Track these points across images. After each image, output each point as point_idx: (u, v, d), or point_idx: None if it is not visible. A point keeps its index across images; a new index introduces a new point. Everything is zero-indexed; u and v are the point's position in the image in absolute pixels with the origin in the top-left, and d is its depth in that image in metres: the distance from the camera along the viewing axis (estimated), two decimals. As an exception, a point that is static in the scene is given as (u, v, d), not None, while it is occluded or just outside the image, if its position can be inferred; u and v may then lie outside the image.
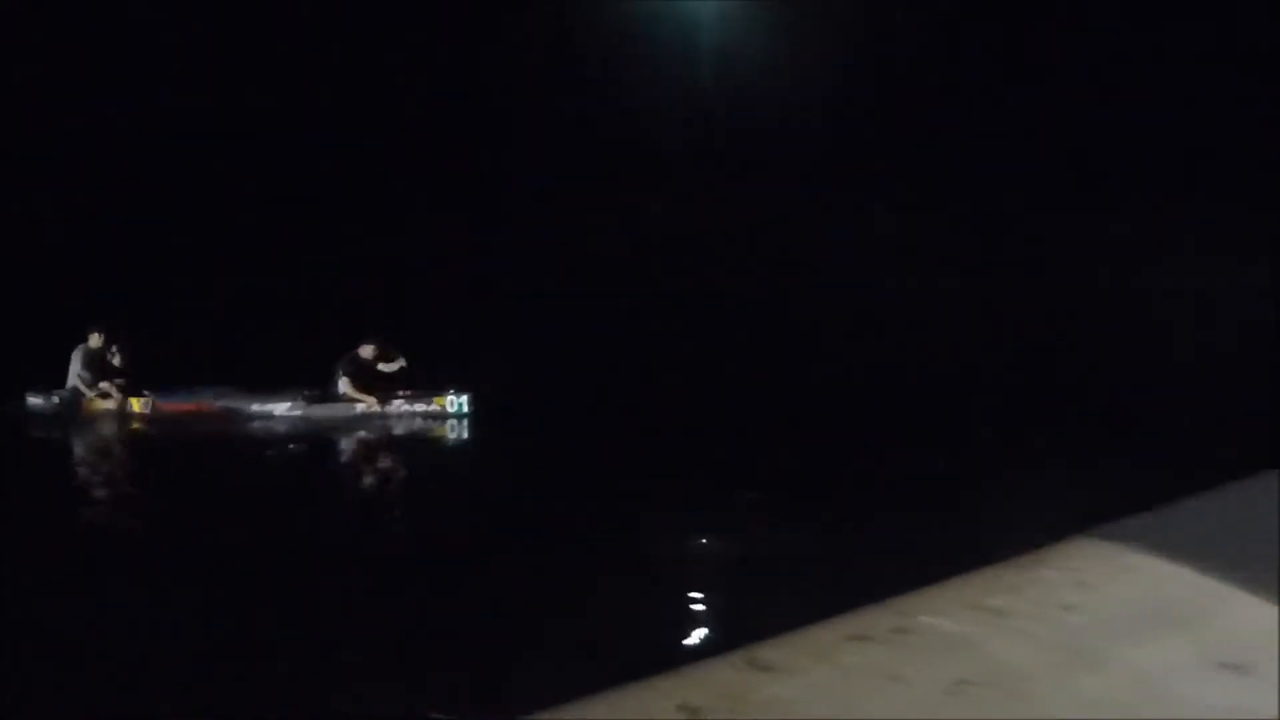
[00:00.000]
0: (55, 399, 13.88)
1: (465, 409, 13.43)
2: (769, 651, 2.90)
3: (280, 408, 13.42)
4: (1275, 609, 3.42)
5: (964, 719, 2.57)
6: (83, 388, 13.76)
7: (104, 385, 13.86)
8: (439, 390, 13.56)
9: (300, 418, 13.32)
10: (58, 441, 12.58)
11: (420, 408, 13.53)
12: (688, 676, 2.81)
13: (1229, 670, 2.95)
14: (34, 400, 13.75)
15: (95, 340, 14.11)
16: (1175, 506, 4.77)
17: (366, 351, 13.75)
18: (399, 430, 13.05)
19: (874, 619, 3.20)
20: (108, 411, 13.76)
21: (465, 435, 12.81)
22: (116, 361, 14.07)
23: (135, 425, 13.27)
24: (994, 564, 3.87)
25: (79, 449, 12.46)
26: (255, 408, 13.43)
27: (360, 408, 13.44)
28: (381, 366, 13.65)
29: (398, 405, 13.48)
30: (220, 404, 13.54)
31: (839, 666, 2.81)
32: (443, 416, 13.45)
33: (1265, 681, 2.90)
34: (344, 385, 13.58)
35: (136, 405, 13.71)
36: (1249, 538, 4.18)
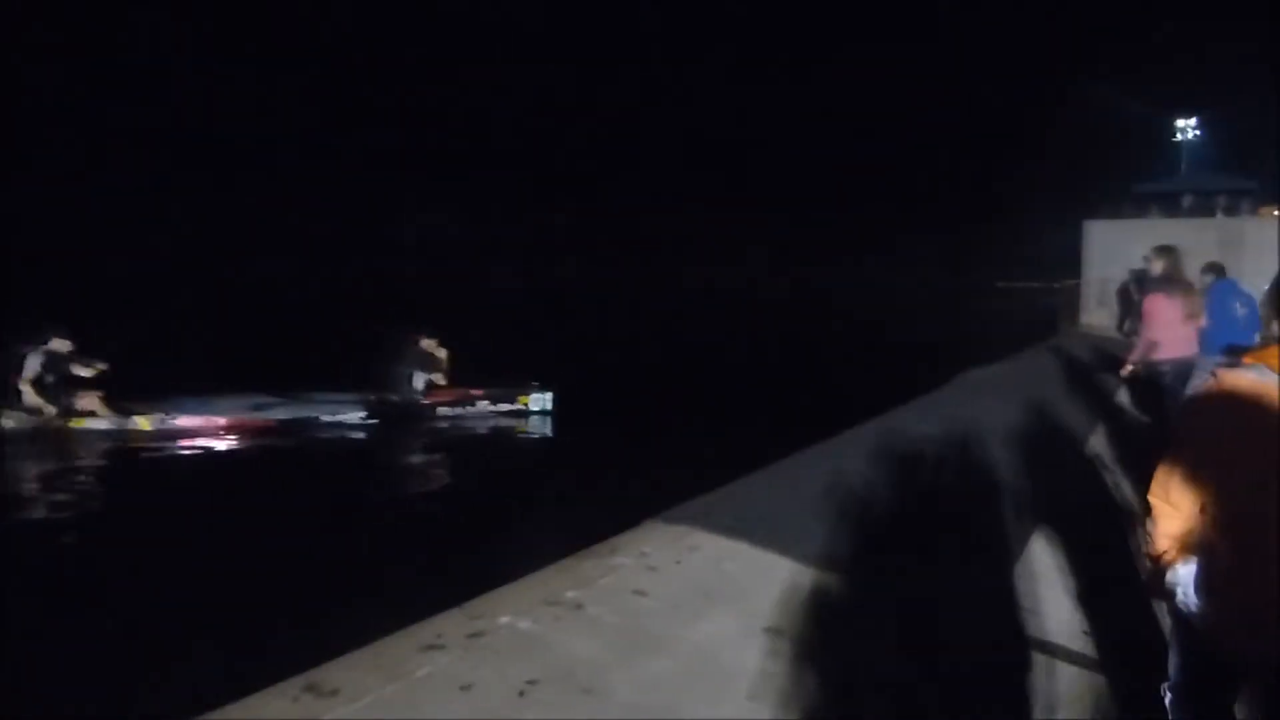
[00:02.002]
0: (10, 420, 9.98)
1: (548, 406, 12.61)
2: (332, 673, 2.68)
3: (353, 416, 11.32)
4: (810, 573, 3.84)
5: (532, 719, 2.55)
6: (46, 404, 9.83)
7: (83, 400, 10.09)
8: (521, 388, 12.57)
9: (378, 424, 11.33)
10: (28, 480, 8.36)
11: (504, 406, 12.43)
12: (237, 712, 2.51)
13: (769, 634, 3.24)
14: None
15: (58, 344, 10.28)
16: (734, 486, 5.22)
17: (429, 345, 12.19)
18: (482, 429, 11.62)
19: (449, 625, 3.09)
20: (93, 433, 10.11)
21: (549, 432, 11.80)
22: (88, 371, 10.13)
23: (143, 448, 9.37)
24: (572, 555, 3.94)
25: (65, 488, 8.12)
26: (325, 418, 11.14)
27: (442, 409, 11.97)
28: (439, 358, 12.08)
29: (482, 406, 12.26)
30: (271, 416, 10.94)
31: (409, 681, 2.66)
32: (525, 414, 12.47)
33: (794, 640, 3.24)
34: (420, 384, 11.93)
35: (145, 424, 10.43)
36: (793, 511, 4.68)
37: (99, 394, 10.42)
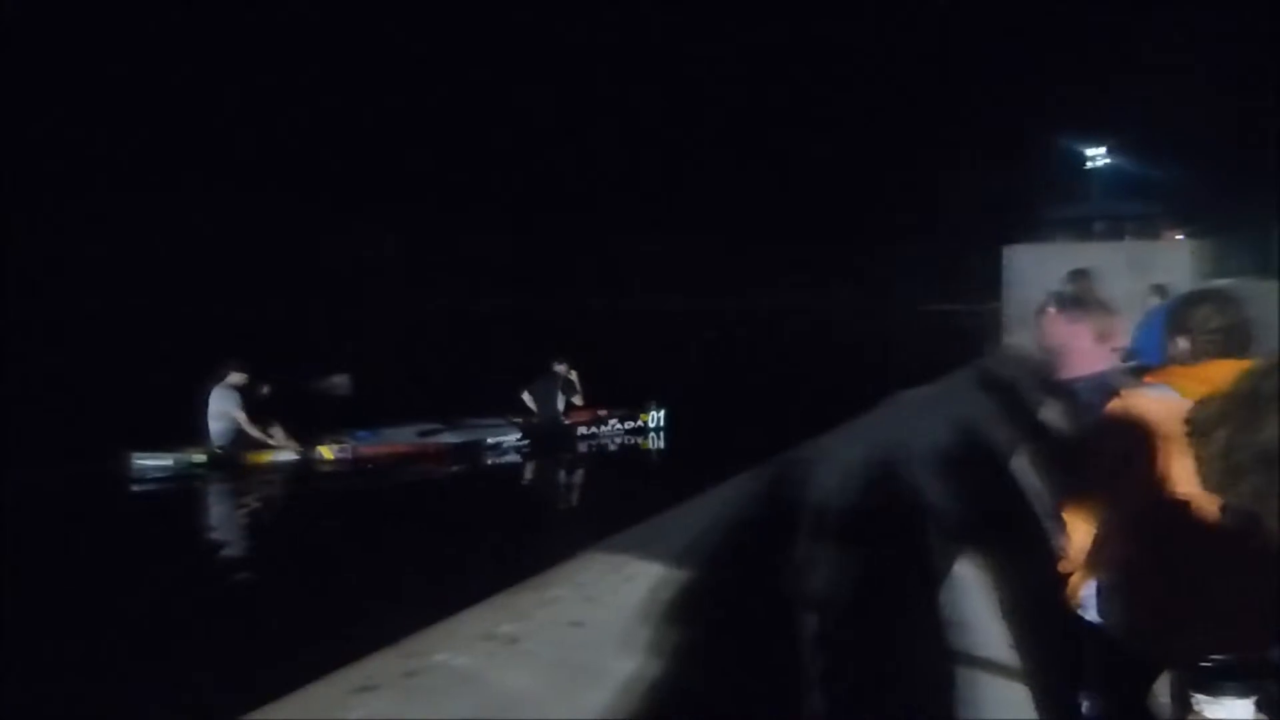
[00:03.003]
0: (201, 456, 9.93)
1: (662, 422, 13.70)
2: (263, 721, 2.63)
3: (510, 438, 11.99)
4: (744, 598, 3.88)
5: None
6: (251, 433, 10.07)
7: (270, 431, 10.30)
8: (641, 407, 13.66)
9: (530, 445, 12.07)
10: (235, 513, 8.14)
11: (629, 424, 13.43)
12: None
13: (705, 660, 3.27)
14: (149, 462, 9.89)
15: (237, 377, 10.35)
16: (669, 515, 5.25)
17: (562, 369, 13.01)
18: (611, 446, 12.60)
19: (385, 665, 3.05)
20: (280, 464, 10.22)
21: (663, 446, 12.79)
22: (268, 401, 10.57)
23: (332, 477, 9.91)
24: (509, 589, 3.92)
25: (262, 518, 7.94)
26: (490, 440, 11.75)
27: (581, 429, 12.89)
28: (574, 382, 13.03)
29: (612, 424, 13.25)
30: (443, 440, 11.41)
31: (343, 725, 2.63)
32: (644, 431, 13.48)
33: (730, 665, 3.26)
34: (562, 406, 12.76)
35: (328, 453, 10.61)
36: (725, 537, 4.72)
37: (283, 427, 10.59)
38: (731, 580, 4.05)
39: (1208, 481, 1.85)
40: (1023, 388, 12.09)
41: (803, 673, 3.27)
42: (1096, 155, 28.27)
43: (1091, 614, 2.20)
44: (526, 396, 12.37)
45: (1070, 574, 2.26)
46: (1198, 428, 1.89)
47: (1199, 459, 1.87)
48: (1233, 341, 2.19)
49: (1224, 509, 1.86)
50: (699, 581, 4.01)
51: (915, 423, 8.91)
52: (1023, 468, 7.52)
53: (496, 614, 3.58)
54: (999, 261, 22.53)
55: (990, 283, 23.45)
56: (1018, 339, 21.10)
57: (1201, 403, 1.92)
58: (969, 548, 5.01)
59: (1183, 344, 2.25)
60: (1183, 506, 1.97)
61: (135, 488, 9.35)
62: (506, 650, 3.20)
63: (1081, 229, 23.39)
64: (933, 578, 4.59)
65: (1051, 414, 9.42)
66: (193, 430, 10.07)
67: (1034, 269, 20.75)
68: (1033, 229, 23.83)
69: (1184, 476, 1.96)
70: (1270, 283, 16.13)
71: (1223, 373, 2.00)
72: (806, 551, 4.52)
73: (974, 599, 4.38)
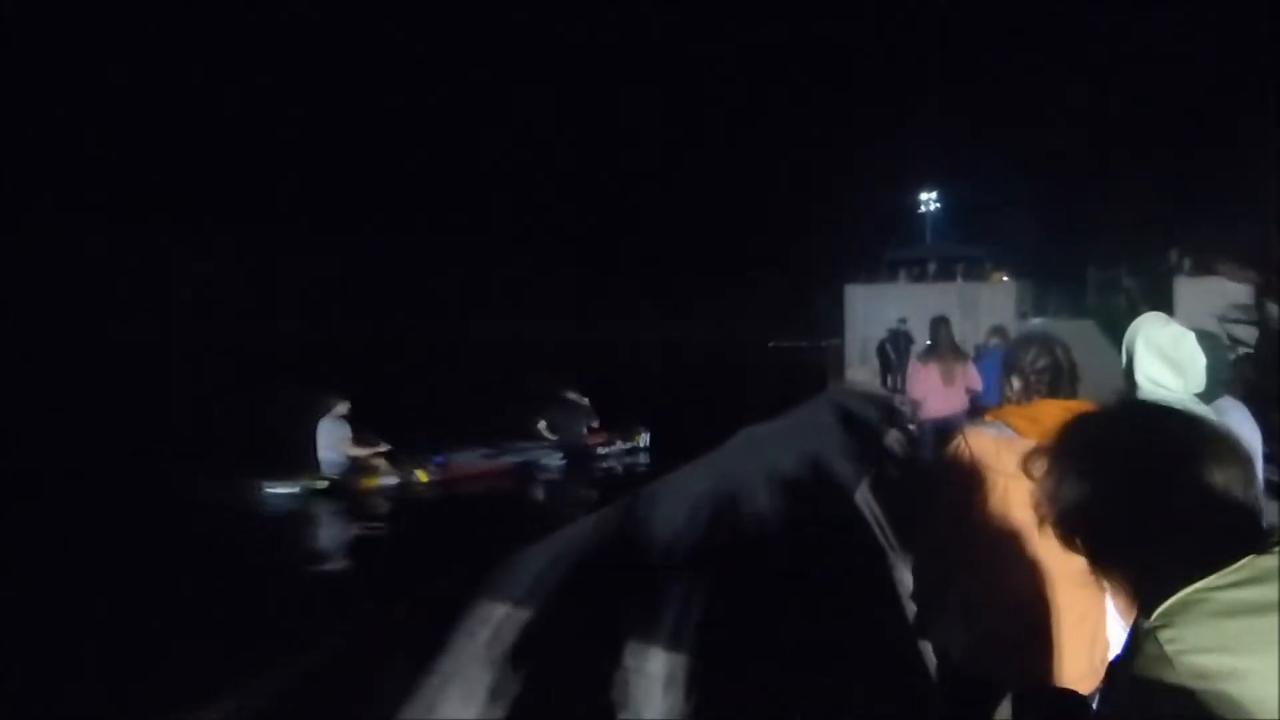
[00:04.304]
0: (322, 483, 10.50)
1: (648, 443, 14.52)
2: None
3: (554, 458, 12.83)
4: (587, 630, 3.84)
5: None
6: (360, 460, 10.73)
7: (372, 461, 10.90)
8: (634, 429, 14.52)
9: (567, 464, 12.78)
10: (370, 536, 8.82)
11: (629, 445, 14.29)
12: None
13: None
14: (279, 490, 10.47)
15: (343, 408, 10.90)
16: (520, 555, 5.16)
17: (572, 395, 13.59)
18: (618, 465, 13.36)
19: None
20: (387, 488, 10.82)
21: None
22: (367, 450, 11.01)
23: (432, 498, 10.61)
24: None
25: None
26: (544, 461, 12.63)
27: (600, 449, 13.59)
28: (589, 407, 13.54)
29: (618, 445, 14.08)
30: (509, 460, 12.35)
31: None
32: (636, 451, 14.31)
33: (554, 692, 3.21)
34: (584, 430, 13.43)
35: (424, 476, 11.25)
36: (584, 568, 4.68)
37: (383, 455, 11.18)
38: (582, 612, 4.00)
39: (1039, 521, 1.93)
40: (864, 421, 12.60)
41: (651, 701, 3.25)
42: (930, 199, 29.96)
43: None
44: (542, 424, 12.88)
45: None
46: (1028, 469, 1.97)
47: (1032, 498, 1.95)
48: (1060, 381, 2.31)
49: (1052, 545, 1.95)
50: (548, 617, 3.95)
51: (764, 456, 9.11)
52: (867, 500, 7.79)
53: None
54: (841, 300, 23.50)
55: (833, 320, 24.40)
56: (858, 374, 22.04)
57: (1036, 447, 2.01)
58: (811, 573, 5.13)
59: (1016, 384, 2.36)
60: (1016, 540, 2.05)
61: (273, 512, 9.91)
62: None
63: (917, 270, 24.62)
64: (779, 607, 4.66)
65: (894, 447, 9.83)
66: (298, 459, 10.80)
67: (873, 307, 21.76)
68: (872, 269, 24.94)
69: (1018, 512, 2.04)
70: (1087, 322, 17.48)
71: (1051, 411, 2.10)
72: (657, 582, 4.52)
73: (819, 627, 4.47)
